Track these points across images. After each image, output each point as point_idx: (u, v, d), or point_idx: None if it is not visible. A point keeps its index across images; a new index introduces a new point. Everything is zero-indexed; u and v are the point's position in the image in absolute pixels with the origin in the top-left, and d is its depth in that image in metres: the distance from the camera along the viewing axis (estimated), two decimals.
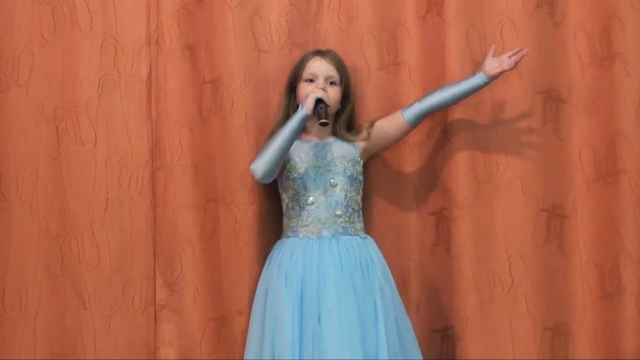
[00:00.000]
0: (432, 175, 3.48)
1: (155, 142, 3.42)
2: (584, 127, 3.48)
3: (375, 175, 3.45)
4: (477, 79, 3.30)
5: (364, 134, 3.34)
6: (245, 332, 3.37)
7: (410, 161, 3.47)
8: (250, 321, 3.28)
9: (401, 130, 3.35)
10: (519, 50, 3.30)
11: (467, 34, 3.46)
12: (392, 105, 3.45)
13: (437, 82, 3.46)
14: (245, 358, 3.26)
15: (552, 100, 3.50)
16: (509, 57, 3.29)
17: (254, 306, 3.28)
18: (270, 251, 3.35)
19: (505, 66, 3.28)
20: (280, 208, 3.37)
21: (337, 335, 3.09)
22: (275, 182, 3.33)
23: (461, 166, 3.45)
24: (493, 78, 3.29)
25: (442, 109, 3.38)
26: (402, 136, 3.38)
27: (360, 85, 3.46)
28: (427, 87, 3.46)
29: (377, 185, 3.45)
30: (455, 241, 3.44)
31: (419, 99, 3.34)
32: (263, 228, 3.41)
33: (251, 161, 3.31)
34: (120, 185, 3.42)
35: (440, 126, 3.48)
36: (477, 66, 3.44)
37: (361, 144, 3.34)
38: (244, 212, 3.40)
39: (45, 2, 3.41)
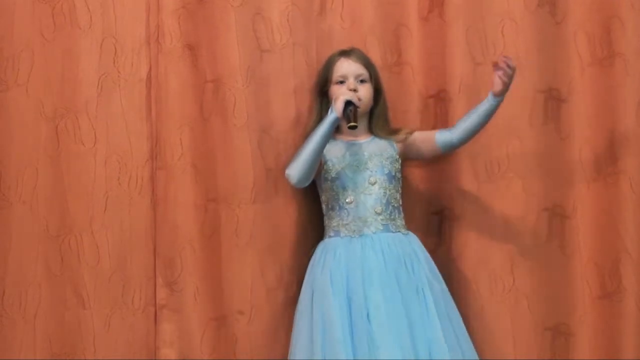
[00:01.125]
0: (433, 175, 3.49)
1: (155, 141, 3.42)
2: (585, 126, 3.48)
3: None
4: (487, 103, 3.24)
5: (402, 136, 3.35)
6: (245, 332, 3.39)
7: (411, 161, 3.47)
8: (296, 321, 3.27)
9: (432, 151, 3.35)
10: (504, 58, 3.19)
11: (468, 33, 3.47)
12: (394, 105, 3.46)
13: (438, 81, 3.47)
14: (293, 358, 3.23)
15: (552, 99, 3.50)
16: (497, 70, 3.18)
17: (299, 308, 3.28)
18: (273, 252, 3.38)
19: (501, 79, 3.18)
20: (281, 208, 3.38)
21: (387, 332, 3.09)
22: (275, 182, 3.33)
23: (462, 166, 3.45)
24: (499, 95, 3.21)
25: (473, 136, 3.33)
26: (432, 156, 3.38)
27: None
28: (428, 87, 3.48)
29: None
30: (456, 241, 3.45)
31: (454, 126, 3.32)
32: (264, 228, 3.41)
33: (253, 161, 3.35)
34: (120, 184, 3.41)
35: (441, 125, 3.48)
36: (478, 66, 3.46)
37: (399, 145, 3.35)
38: (245, 212, 3.40)
39: (45, 2, 3.41)
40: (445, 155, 3.43)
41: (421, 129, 3.45)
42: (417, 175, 3.49)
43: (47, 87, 3.41)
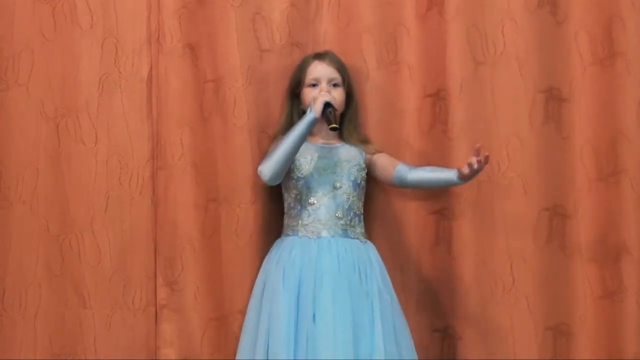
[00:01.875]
0: None
1: (156, 141, 3.42)
2: (586, 126, 3.48)
3: None
4: (452, 176, 3.21)
5: (371, 149, 3.35)
6: None
7: (410, 160, 3.45)
8: (246, 317, 3.28)
9: (387, 179, 3.33)
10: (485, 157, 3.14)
11: (468, 33, 3.46)
12: (391, 105, 3.46)
13: (437, 81, 3.46)
14: (237, 356, 3.25)
15: (553, 99, 3.49)
16: (476, 159, 3.12)
17: (250, 302, 3.29)
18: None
19: (471, 167, 3.12)
20: (281, 208, 3.37)
21: (331, 335, 3.10)
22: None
23: (461, 165, 3.41)
24: (465, 180, 3.17)
25: (422, 188, 3.36)
26: (387, 183, 3.36)
27: (360, 85, 3.45)
28: (427, 87, 3.47)
29: (378, 185, 3.44)
30: (456, 241, 3.44)
31: (415, 167, 3.30)
32: (264, 228, 3.41)
33: (253, 161, 3.35)
34: (120, 184, 3.41)
35: (441, 125, 3.48)
36: (478, 65, 3.45)
37: (367, 157, 3.35)
38: (245, 211, 3.40)
39: (46, 1, 3.41)
40: (444, 156, 3.44)
41: (419, 128, 3.46)
42: None
43: (48, 86, 3.41)
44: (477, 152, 3.10)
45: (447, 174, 3.24)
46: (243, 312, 3.37)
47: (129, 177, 3.42)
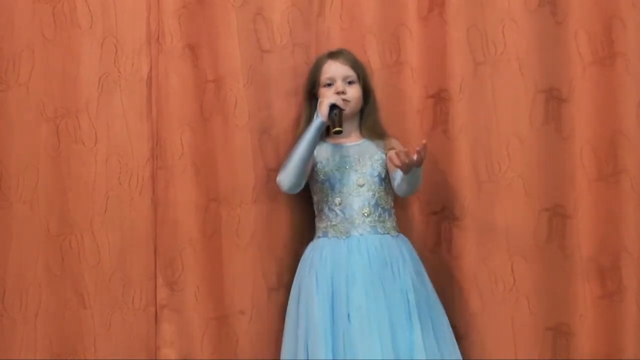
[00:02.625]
0: (433, 175, 3.47)
1: (155, 141, 3.42)
2: (586, 126, 3.47)
3: None
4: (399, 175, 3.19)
5: (388, 145, 3.33)
6: (246, 332, 3.39)
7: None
8: (286, 322, 3.29)
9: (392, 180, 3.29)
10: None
11: (468, 33, 3.46)
12: (394, 105, 3.47)
13: (438, 82, 3.47)
14: (282, 358, 3.26)
15: (553, 99, 3.49)
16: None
17: (289, 306, 3.29)
18: (274, 252, 3.40)
19: (402, 161, 3.06)
20: (282, 208, 3.39)
21: (366, 333, 3.10)
22: (276, 182, 3.33)
23: (462, 165, 3.45)
24: (405, 172, 3.11)
25: (411, 190, 3.28)
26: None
27: None
28: (428, 87, 3.47)
29: None
30: (456, 241, 3.45)
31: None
32: (265, 228, 3.41)
33: (254, 161, 3.37)
34: (120, 184, 3.41)
35: (442, 125, 3.48)
36: (478, 65, 3.46)
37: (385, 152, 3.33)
38: (246, 211, 3.40)
39: (46, 1, 3.41)
40: (444, 156, 3.45)
41: (421, 128, 3.46)
42: None
43: (48, 86, 3.41)
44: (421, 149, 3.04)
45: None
46: (243, 312, 3.39)
47: (129, 177, 3.42)
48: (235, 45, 3.42)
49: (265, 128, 3.43)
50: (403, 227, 3.44)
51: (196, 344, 3.38)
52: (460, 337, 3.42)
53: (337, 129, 3.17)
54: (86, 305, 3.39)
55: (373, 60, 3.47)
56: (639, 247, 3.44)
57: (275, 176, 3.34)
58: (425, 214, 3.47)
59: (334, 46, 3.43)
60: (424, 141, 3.08)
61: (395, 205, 3.36)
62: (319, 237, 3.31)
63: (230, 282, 3.40)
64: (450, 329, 3.27)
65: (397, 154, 3.06)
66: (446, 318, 3.28)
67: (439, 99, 3.48)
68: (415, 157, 3.04)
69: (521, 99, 3.48)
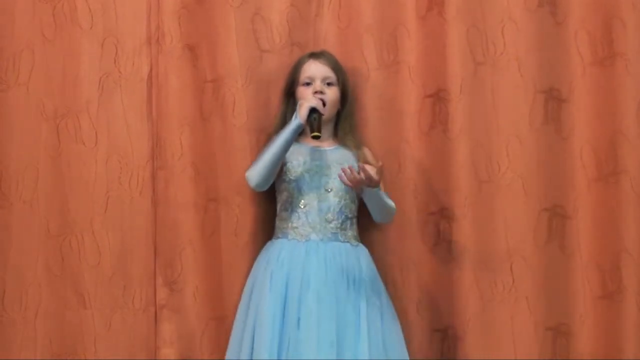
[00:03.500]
0: (432, 175, 3.48)
1: (155, 141, 3.42)
2: (585, 126, 3.48)
3: None
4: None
5: (361, 156, 3.31)
6: None
7: (410, 161, 3.47)
8: (235, 319, 3.28)
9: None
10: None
11: (468, 33, 3.46)
12: (391, 105, 3.46)
13: (437, 82, 3.46)
14: (226, 356, 3.26)
15: (553, 99, 3.49)
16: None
17: (240, 304, 3.29)
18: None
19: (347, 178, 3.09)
20: None
21: (314, 339, 3.09)
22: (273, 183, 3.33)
23: (462, 165, 3.45)
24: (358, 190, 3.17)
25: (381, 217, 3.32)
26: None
27: (360, 85, 3.46)
28: (427, 87, 3.47)
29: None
30: (456, 241, 3.44)
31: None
32: (264, 228, 3.40)
33: (252, 160, 3.33)
34: (120, 184, 3.41)
35: (441, 125, 3.48)
36: (478, 66, 3.46)
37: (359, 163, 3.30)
38: (245, 211, 3.40)
39: (46, 1, 3.41)
40: (444, 156, 3.45)
41: (419, 128, 3.46)
42: (416, 174, 3.47)
43: (48, 86, 3.41)
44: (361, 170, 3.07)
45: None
46: None
47: (129, 177, 3.42)
48: (234, 46, 3.42)
49: (263, 128, 3.42)
50: (403, 226, 3.44)
51: (196, 343, 3.38)
52: (459, 337, 3.43)
53: (316, 133, 3.15)
54: (86, 305, 3.39)
55: (371, 60, 3.47)
56: (638, 247, 3.44)
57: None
58: (425, 214, 3.46)
59: (332, 46, 3.44)
60: (380, 163, 3.12)
61: (360, 215, 3.35)
62: (277, 237, 3.29)
63: (229, 282, 3.39)
64: (403, 344, 3.26)
65: (343, 170, 3.06)
66: (401, 334, 3.26)
67: (438, 99, 3.48)
68: (361, 174, 3.04)
69: (521, 99, 3.48)
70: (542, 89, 3.49)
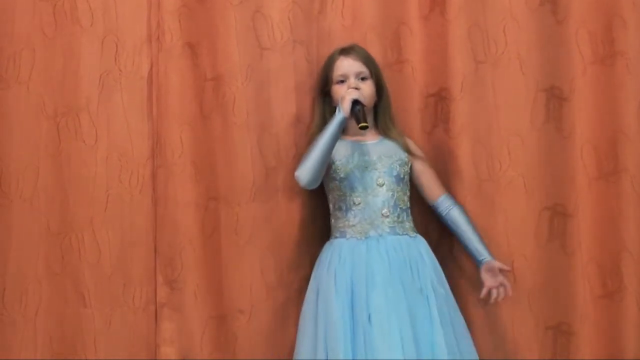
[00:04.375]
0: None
1: (156, 139, 3.42)
2: (586, 125, 3.48)
3: None
4: (479, 258, 3.31)
5: (407, 147, 3.34)
6: (245, 330, 3.39)
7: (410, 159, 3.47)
8: (300, 324, 3.27)
9: (425, 198, 3.37)
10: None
11: (469, 32, 3.46)
12: (395, 103, 3.44)
13: (439, 80, 3.47)
14: (297, 358, 3.24)
15: (554, 98, 3.49)
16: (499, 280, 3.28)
17: (305, 306, 3.27)
18: (273, 251, 3.39)
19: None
20: (281, 206, 3.39)
21: (387, 334, 3.08)
22: (275, 181, 3.33)
23: (463, 164, 3.45)
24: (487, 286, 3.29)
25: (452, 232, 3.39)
26: (422, 196, 3.38)
27: None
28: (429, 86, 3.47)
29: None
30: (457, 240, 3.43)
31: (457, 207, 3.36)
32: (264, 226, 3.41)
33: (252, 159, 3.36)
34: (121, 183, 3.41)
35: (443, 124, 3.48)
36: (479, 64, 3.46)
37: (408, 155, 3.33)
38: (245, 210, 3.40)
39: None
40: (445, 154, 3.45)
41: (422, 127, 3.47)
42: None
43: (48, 85, 3.41)
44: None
45: (478, 250, 3.31)
46: (243, 311, 3.39)
47: (129, 175, 3.42)
48: (234, 44, 3.42)
49: (264, 126, 3.43)
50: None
51: (196, 342, 3.38)
52: None
53: (363, 124, 3.15)
54: (86, 304, 3.39)
55: (376, 59, 3.45)
56: (639, 246, 3.44)
57: (275, 174, 3.36)
58: (427, 213, 3.45)
59: (335, 44, 3.43)
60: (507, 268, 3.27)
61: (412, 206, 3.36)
62: (336, 237, 3.28)
63: (229, 281, 3.39)
64: (467, 328, 3.27)
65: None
66: (462, 318, 3.28)
67: (440, 98, 3.48)
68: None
69: (522, 98, 3.49)
70: (543, 87, 3.49)
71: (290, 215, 3.42)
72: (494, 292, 3.27)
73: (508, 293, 3.27)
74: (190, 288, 3.39)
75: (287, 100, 3.45)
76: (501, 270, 3.28)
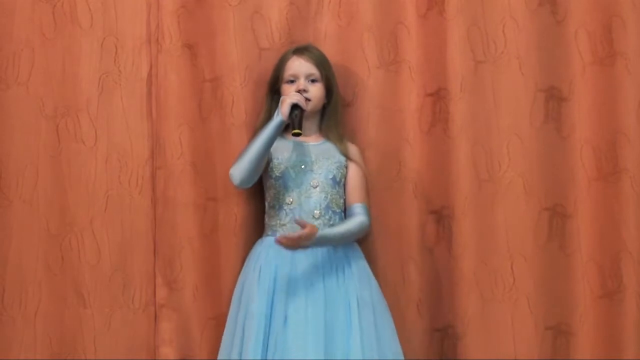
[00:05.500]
0: (432, 174, 3.48)
1: (155, 140, 3.42)
2: (586, 125, 3.48)
3: (375, 174, 3.44)
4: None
5: (345, 150, 3.32)
6: None
7: (411, 159, 3.47)
8: (227, 319, 3.28)
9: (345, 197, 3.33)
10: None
11: (468, 32, 3.46)
12: (392, 104, 3.47)
13: (437, 80, 3.47)
14: (219, 356, 3.26)
15: (553, 98, 3.49)
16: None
17: (231, 303, 3.29)
18: None
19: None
20: None
21: (301, 336, 3.09)
22: None
23: (462, 164, 3.45)
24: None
25: None
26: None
27: (361, 84, 3.46)
28: (427, 86, 3.47)
29: (377, 184, 3.44)
30: (456, 240, 3.44)
31: (360, 216, 3.28)
32: (263, 226, 3.39)
33: None
34: (120, 183, 3.42)
35: (441, 124, 3.48)
36: (478, 64, 3.46)
37: (345, 158, 3.32)
38: (244, 210, 3.40)
39: (46, 0, 3.41)
40: (444, 155, 3.45)
41: (420, 127, 3.47)
42: (416, 173, 3.47)
43: (48, 85, 3.41)
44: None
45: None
46: None
47: (129, 176, 3.42)
48: (233, 44, 3.42)
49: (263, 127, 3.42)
50: (403, 225, 3.44)
51: (195, 342, 3.38)
52: (459, 336, 3.43)
53: (296, 131, 3.15)
54: (86, 304, 3.40)
55: (371, 59, 3.46)
56: (638, 246, 3.44)
57: None
58: (425, 213, 3.46)
59: (333, 44, 3.44)
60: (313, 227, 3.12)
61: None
62: (267, 234, 3.28)
63: (228, 281, 3.38)
64: (397, 341, 3.24)
65: (279, 242, 3.08)
66: (393, 329, 3.25)
67: (438, 98, 3.48)
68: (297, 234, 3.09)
69: (521, 98, 3.48)
70: (542, 87, 3.49)
71: None
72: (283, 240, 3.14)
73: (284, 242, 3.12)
74: (190, 288, 3.39)
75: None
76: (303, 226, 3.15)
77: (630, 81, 3.46)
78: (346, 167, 3.32)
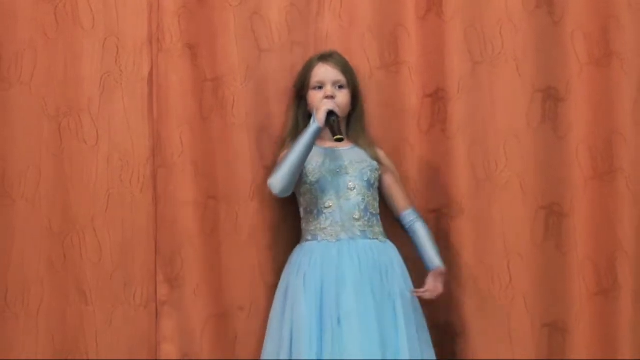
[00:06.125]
0: (430, 173, 3.50)
1: (156, 139, 3.43)
2: (582, 125, 3.49)
3: None
4: (429, 265, 3.30)
5: (377, 156, 3.35)
6: (245, 328, 3.41)
7: (409, 159, 3.49)
8: (269, 322, 3.29)
9: (392, 209, 3.38)
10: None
11: (466, 33, 3.48)
12: (392, 105, 3.49)
13: (435, 81, 3.49)
14: (262, 358, 3.27)
15: (550, 98, 3.51)
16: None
17: (273, 307, 3.29)
18: (271, 249, 3.42)
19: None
20: (279, 205, 3.41)
21: (357, 335, 3.10)
22: None
23: (460, 164, 3.47)
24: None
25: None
26: (388, 206, 3.39)
27: (362, 84, 3.46)
28: (426, 86, 3.49)
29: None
30: (453, 239, 3.47)
31: (419, 221, 3.36)
32: (263, 225, 3.43)
33: (251, 158, 3.38)
34: (121, 182, 3.43)
35: (440, 124, 3.50)
36: (476, 65, 3.48)
37: (377, 164, 3.35)
38: (245, 209, 3.42)
39: (48, 1, 3.42)
40: (442, 155, 3.47)
41: (420, 128, 3.49)
42: (416, 173, 3.50)
43: (50, 85, 3.42)
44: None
45: (431, 259, 3.31)
46: (243, 309, 3.41)
47: (130, 175, 3.43)
48: (233, 45, 3.43)
49: (263, 126, 3.44)
50: (401, 225, 3.46)
51: (196, 340, 3.39)
52: (457, 334, 3.45)
53: (339, 136, 3.16)
54: (88, 302, 3.41)
55: (371, 60, 3.48)
56: (634, 245, 3.46)
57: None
58: (423, 212, 3.46)
59: (333, 45, 3.45)
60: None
61: (381, 206, 3.37)
62: (307, 240, 3.29)
63: (229, 279, 3.41)
64: (430, 339, 3.29)
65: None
66: (427, 327, 3.30)
67: (437, 98, 3.50)
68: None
69: (518, 99, 3.50)
70: (539, 88, 3.51)
71: (288, 213, 3.43)
72: (427, 294, 3.25)
73: (432, 297, 3.26)
74: (190, 286, 3.40)
75: (285, 100, 3.45)
76: (442, 274, 3.28)
77: (626, 81, 3.48)
78: (377, 171, 3.33)
